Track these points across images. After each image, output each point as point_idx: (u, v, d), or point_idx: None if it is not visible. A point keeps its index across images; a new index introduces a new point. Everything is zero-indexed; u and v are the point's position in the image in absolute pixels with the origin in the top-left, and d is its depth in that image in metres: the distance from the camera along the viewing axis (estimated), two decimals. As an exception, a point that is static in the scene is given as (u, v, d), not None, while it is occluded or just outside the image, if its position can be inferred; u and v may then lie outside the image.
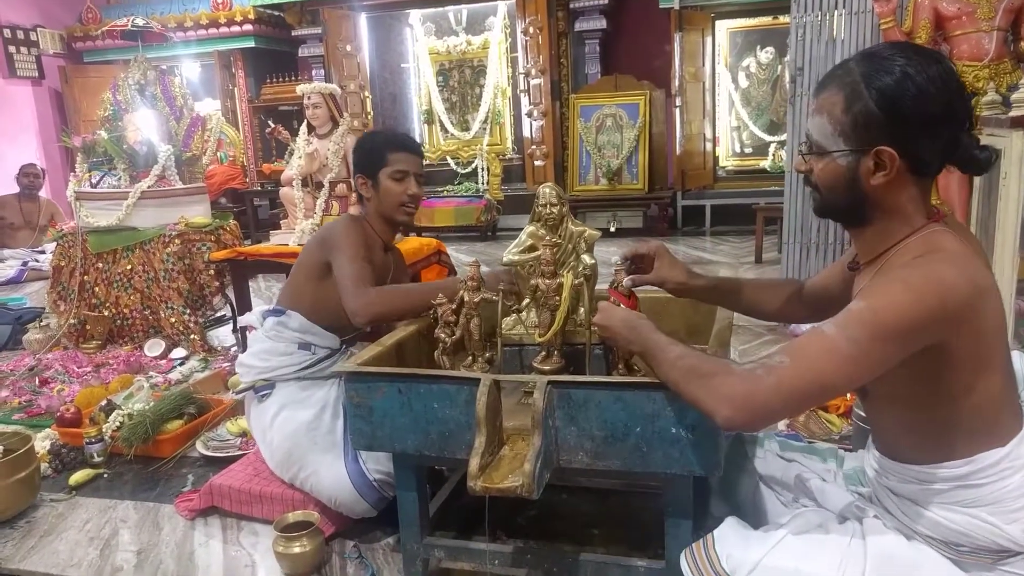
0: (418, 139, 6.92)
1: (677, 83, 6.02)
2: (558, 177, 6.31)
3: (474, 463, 1.27)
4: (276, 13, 6.79)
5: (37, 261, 5.48)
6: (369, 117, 6.75)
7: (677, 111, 6.05)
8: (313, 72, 6.68)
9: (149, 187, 3.25)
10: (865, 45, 3.12)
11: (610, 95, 6.08)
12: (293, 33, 6.79)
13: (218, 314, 3.52)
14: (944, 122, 1.04)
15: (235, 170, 6.90)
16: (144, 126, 3.39)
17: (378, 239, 1.94)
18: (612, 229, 5.80)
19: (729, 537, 1.17)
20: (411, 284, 2.11)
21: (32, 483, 2.00)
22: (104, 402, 2.43)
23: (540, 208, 1.58)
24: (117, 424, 2.28)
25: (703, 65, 6.10)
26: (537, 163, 6.40)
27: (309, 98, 3.22)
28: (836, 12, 3.22)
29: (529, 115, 6.40)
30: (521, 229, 1.63)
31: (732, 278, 1.53)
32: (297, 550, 1.61)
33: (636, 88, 6.05)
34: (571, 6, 6.15)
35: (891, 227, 1.10)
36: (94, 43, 7.19)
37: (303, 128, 3.32)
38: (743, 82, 6.32)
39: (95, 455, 2.23)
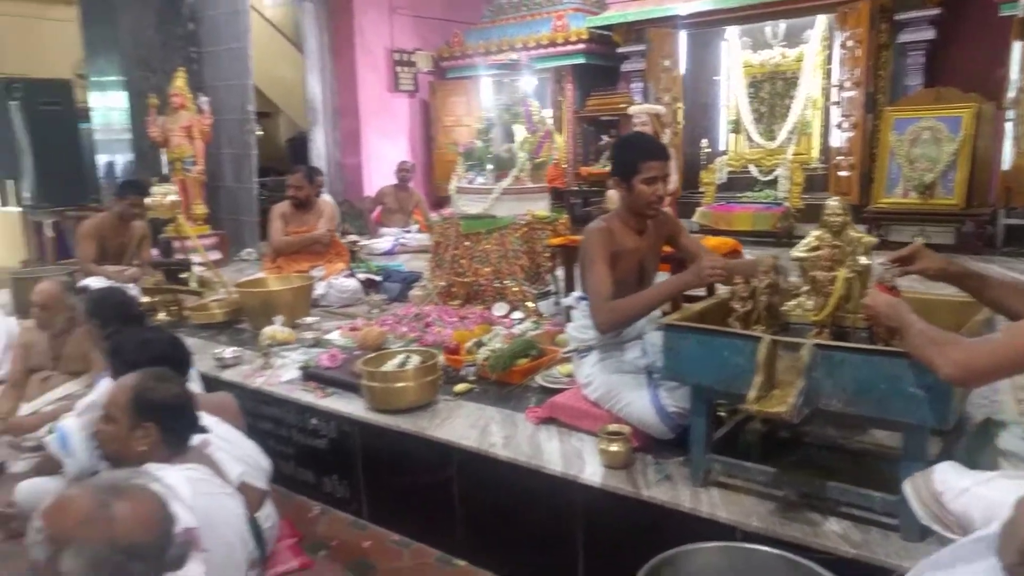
0: (722, 147, 7.39)
1: (1012, 95, 5.67)
2: (863, 188, 6.30)
3: (752, 394, 1.80)
4: (605, 33, 7.65)
5: (404, 239, 6.97)
6: (680, 127, 7.32)
7: (1008, 125, 5.70)
8: (632, 85, 7.43)
9: (508, 186, 4.20)
10: None
11: (930, 107, 5.93)
12: (618, 50, 7.60)
13: (547, 288, 4.37)
14: None
15: (558, 171, 7.93)
16: (510, 137, 4.36)
17: (629, 230, 2.50)
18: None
19: (947, 469, 1.57)
20: (640, 294, 2.44)
21: (436, 385, 2.94)
22: (474, 341, 3.34)
23: (827, 216, 2.05)
24: (484, 356, 3.17)
25: (1046, 75, 5.66)
26: (842, 174, 6.45)
27: (639, 116, 3.89)
28: None
29: (839, 126, 6.46)
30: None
31: (984, 275, 1.86)
32: (614, 448, 2.27)
33: (961, 100, 5.82)
34: (896, 18, 6.10)
35: None
36: (456, 62, 8.73)
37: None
38: (1097, 93, 5.72)
39: (469, 375, 3.14)
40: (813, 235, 2.09)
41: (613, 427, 2.36)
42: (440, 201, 8.47)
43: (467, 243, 4.37)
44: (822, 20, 6.77)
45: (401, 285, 4.84)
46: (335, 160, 8.45)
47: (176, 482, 1.76)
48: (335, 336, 3.85)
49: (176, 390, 1.95)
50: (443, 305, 4.41)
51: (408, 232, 7.12)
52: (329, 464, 3.01)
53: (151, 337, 2.67)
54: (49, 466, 2.91)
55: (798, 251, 2.10)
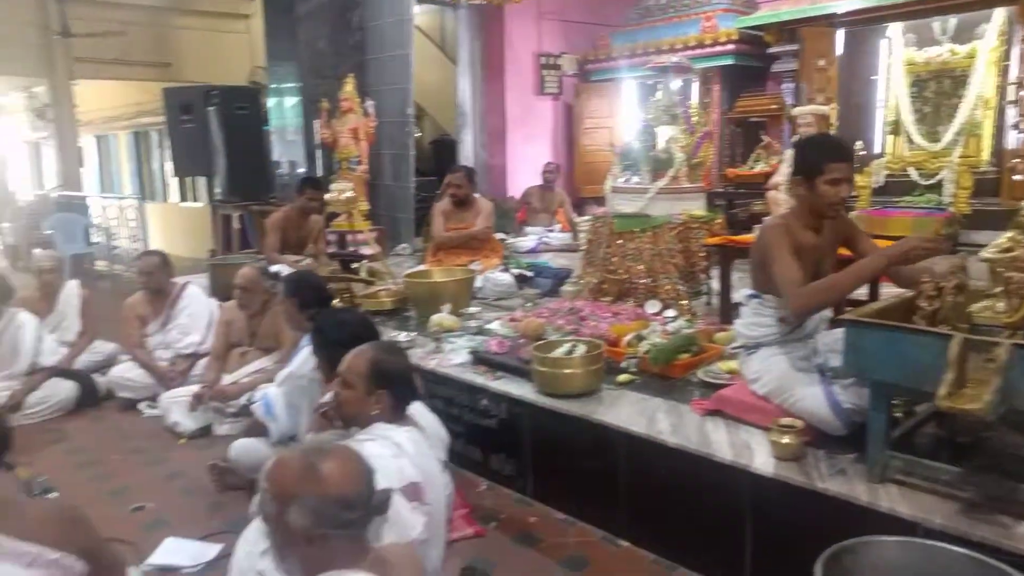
0: (879, 148, 7.08)
1: None
2: (1042, 193, 5.87)
3: (943, 390, 1.83)
4: (756, 33, 7.53)
5: (547, 238, 7.18)
6: (833, 128, 7.09)
7: None
8: (783, 86, 7.27)
9: (665, 186, 4.29)
10: None
11: None
12: (769, 50, 7.46)
13: (700, 287, 4.42)
14: None
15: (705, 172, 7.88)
16: (666, 138, 4.45)
17: (807, 229, 2.50)
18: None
19: None
20: (834, 276, 2.50)
21: (600, 373, 3.09)
22: (634, 334, 3.46)
23: (1021, 218, 2.02)
24: (645, 349, 3.28)
25: None
26: (1016, 177, 6.03)
27: (804, 118, 3.88)
28: None
29: (1015, 127, 6.06)
30: (986, 245, 2.09)
31: None
32: (787, 440, 2.33)
33: None
34: (1086, 10, 5.66)
35: None
36: (601, 64, 8.86)
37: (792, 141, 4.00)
38: None
39: (631, 366, 3.27)
40: (1006, 236, 2.07)
41: (785, 420, 2.41)
42: (580, 201, 8.64)
43: (620, 241, 4.49)
44: (1000, 14, 6.35)
45: (552, 281, 5.03)
46: (481, 161, 8.79)
47: (403, 441, 2.00)
48: (496, 325, 4.09)
49: (404, 362, 2.21)
50: (594, 301, 4.56)
51: (551, 231, 7.32)
52: (497, 442, 3.23)
53: (347, 318, 2.98)
54: (256, 428, 3.31)
55: (989, 252, 2.09)
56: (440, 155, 10.30)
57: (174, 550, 2.71)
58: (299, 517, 1.35)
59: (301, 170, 6.93)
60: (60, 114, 10.27)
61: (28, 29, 9.72)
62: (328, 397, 2.46)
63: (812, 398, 2.41)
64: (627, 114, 8.12)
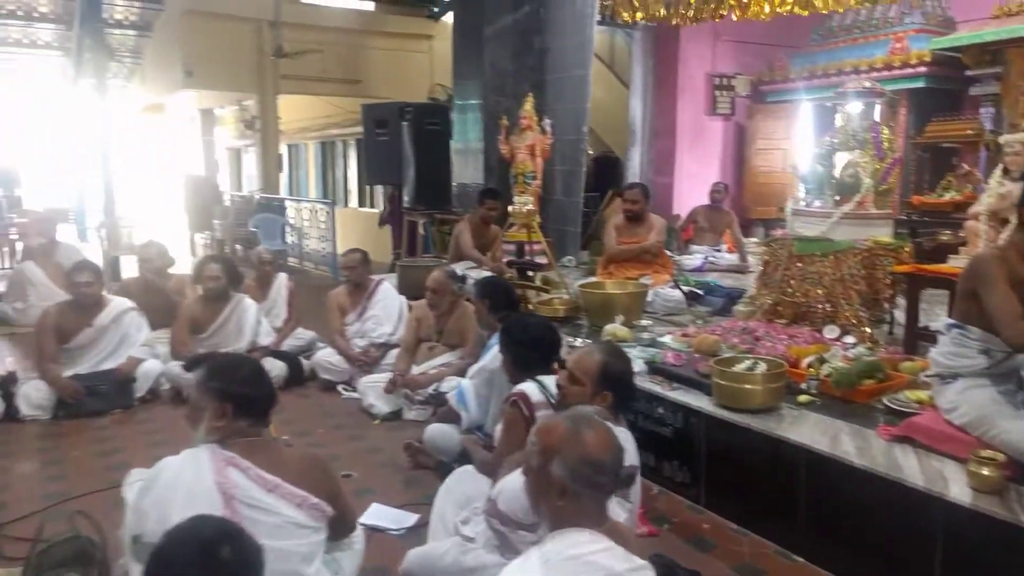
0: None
1: None
2: None
3: None
4: (952, 55, 7.15)
5: (713, 257, 7.16)
6: (1037, 156, 6.59)
7: None
8: (982, 110, 6.85)
9: (850, 210, 4.23)
10: None
11: None
12: (967, 73, 7.05)
13: (883, 315, 4.31)
14: None
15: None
16: (845, 162, 4.39)
17: None
18: None
19: None
20: None
21: (781, 392, 3.14)
22: (815, 357, 3.47)
23: None
24: (827, 372, 3.29)
25: None
26: None
27: (1012, 146, 3.71)
28: None
29: None
30: None
31: None
32: (986, 472, 2.30)
33: None
34: None
35: None
36: (777, 86, 8.73)
37: (997, 170, 3.83)
38: None
39: (811, 388, 3.28)
40: None
41: (985, 453, 2.38)
42: (748, 222, 8.53)
43: (799, 264, 4.46)
44: None
45: (724, 300, 5.07)
46: (647, 178, 8.90)
47: (624, 439, 2.20)
48: (668, 340, 4.21)
49: (629, 368, 2.42)
50: (768, 322, 4.55)
51: (717, 251, 7.29)
52: (671, 450, 3.35)
53: (532, 322, 3.22)
54: (448, 415, 3.64)
55: None
56: (601, 171, 10.51)
57: (380, 514, 3.05)
58: (558, 470, 1.58)
59: (478, 183, 7.37)
60: (265, 125, 11.50)
61: (246, 51, 10.98)
62: (517, 389, 2.71)
63: (1018, 432, 2.36)
64: (803, 137, 7.94)
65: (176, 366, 4.64)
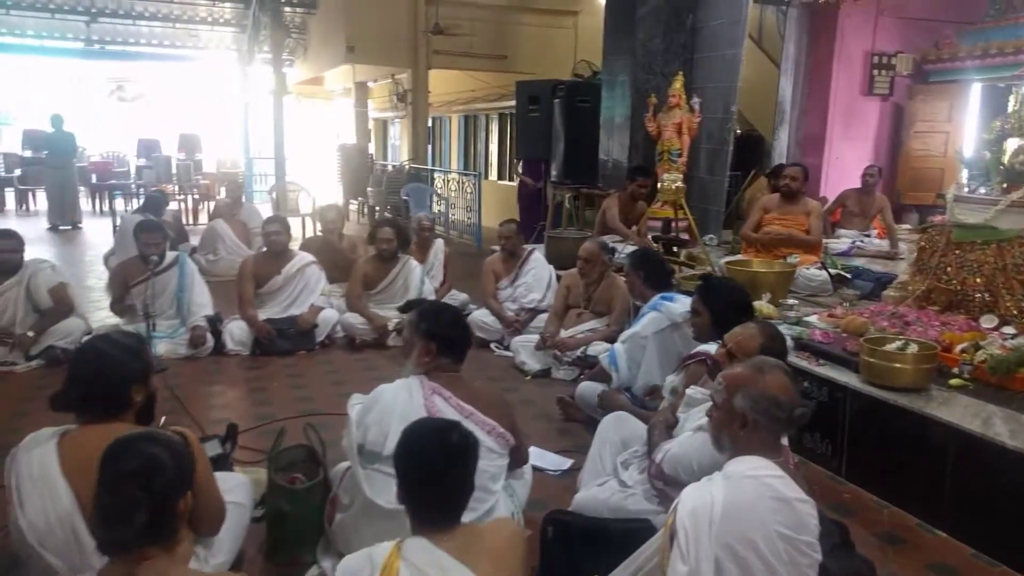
0: None
1: None
2: None
3: None
4: None
5: (862, 242, 7.00)
6: None
7: None
8: None
9: (1019, 198, 4.12)
10: None
11: None
12: None
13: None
14: None
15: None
16: (1016, 148, 4.25)
17: None
18: None
19: None
20: None
21: (930, 373, 3.21)
22: (970, 343, 3.48)
23: None
24: (982, 358, 3.31)
25: None
26: None
27: None
28: None
29: None
30: None
31: None
32: None
33: None
34: None
35: None
36: (943, 65, 8.29)
37: None
38: None
39: (964, 373, 3.32)
40: None
41: None
42: (901, 208, 8.23)
43: (957, 251, 4.39)
44: None
45: (873, 284, 5.05)
46: (794, 159, 8.73)
47: None
48: (814, 319, 4.29)
49: (784, 349, 2.62)
50: (920, 308, 4.52)
51: (867, 236, 7.13)
52: (813, 423, 3.48)
53: (735, 286, 3.41)
54: (599, 375, 3.94)
55: None
56: (741, 150, 10.35)
57: (539, 456, 3.40)
58: (741, 402, 1.84)
59: (622, 160, 7.55)
60: (417, 98, 12.13)
61: (403, 27, 11.60)
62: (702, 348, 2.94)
63: None
64: (969, 120, 7.56)
65: (351, 316, 5.21)
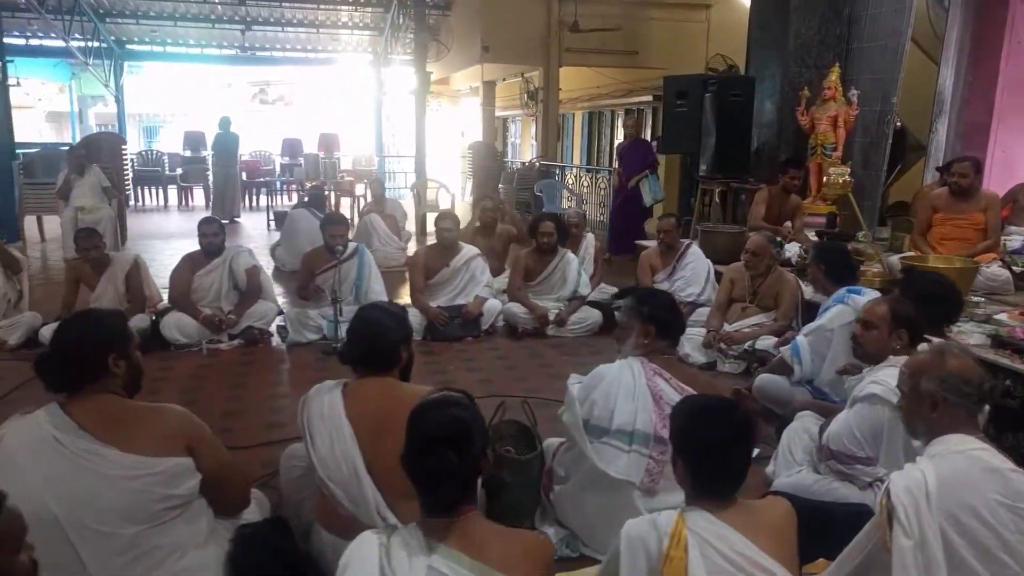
0: None
1: None
2: None
3: None
4: None
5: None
6: None
7: None
8: None
9: None
10: None
11: None
12: None
13: None
14: None
15: None
16: None
17: None
18: None
19: None
20: None
21: None
22: None
23: None
24: None
25: None
26: None
27: None
28: None
29: None
30: None
31: None
32: None
33: None
34: None
35: None
36: None
37: None
38: None
39: None
40: None
41: None
42: (1078, 204, 7.65)
43: None
44: None
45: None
46: (956, 153, 8.29)
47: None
48: (1003, 317, 4.11)
49: (912, 308, 2.63)
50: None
51: (1035, 234, 6.69)
52: (1018, 422, 3.36)
53: (941, 280, 3.48)
54: (780, 368, 3.94)
55: None
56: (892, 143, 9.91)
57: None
58: (927, 384, 1.85)
59: (772, 154, 7.41)
60: (547, 96, 12.30)
61: (537, 26, 11.80)
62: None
63: None
64: None
65: (514, 306, 5.42)
